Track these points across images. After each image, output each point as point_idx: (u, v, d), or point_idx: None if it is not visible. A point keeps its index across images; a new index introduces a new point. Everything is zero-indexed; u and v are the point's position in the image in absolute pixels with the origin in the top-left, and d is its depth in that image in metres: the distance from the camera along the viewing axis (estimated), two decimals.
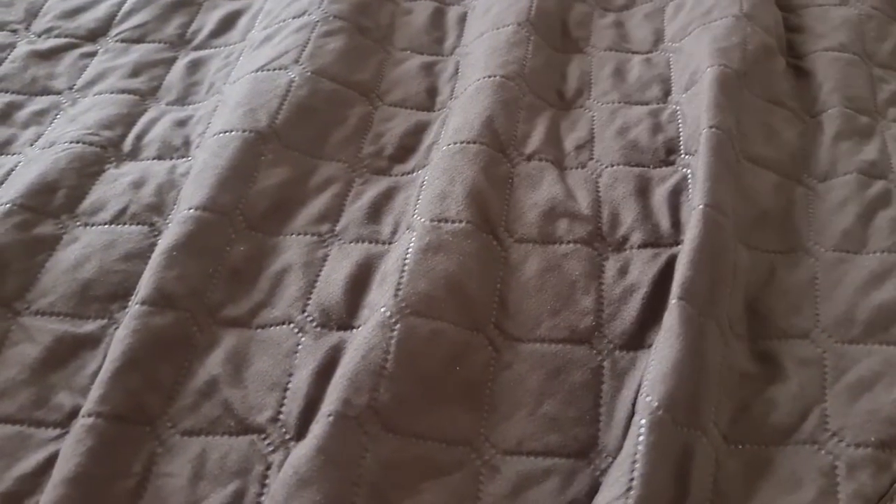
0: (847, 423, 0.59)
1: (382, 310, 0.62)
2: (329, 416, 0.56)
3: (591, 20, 0.92)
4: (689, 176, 0.72)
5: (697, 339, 0.59)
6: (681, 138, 0.76)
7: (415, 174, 0.76)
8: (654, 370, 0.58)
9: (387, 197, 0.74)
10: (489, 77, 0.80)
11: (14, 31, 0.93)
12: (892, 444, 0.57)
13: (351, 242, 0.70)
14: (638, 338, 0.64)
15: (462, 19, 0.93)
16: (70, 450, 0.57)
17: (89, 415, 0.58)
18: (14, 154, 0.80)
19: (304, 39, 0.84)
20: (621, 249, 0.69)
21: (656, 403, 0.55)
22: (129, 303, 0.66)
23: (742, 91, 0.78)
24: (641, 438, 0.54)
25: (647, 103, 0.81)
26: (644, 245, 0.69)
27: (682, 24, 0.89)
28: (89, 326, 0.66)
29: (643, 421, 0.55)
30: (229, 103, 0.79)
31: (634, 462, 0.54)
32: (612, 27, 0.91)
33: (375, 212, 0.73)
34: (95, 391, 0.60)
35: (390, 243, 0.70)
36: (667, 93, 0.82)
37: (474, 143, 0.74)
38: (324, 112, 0.79)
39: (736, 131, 0.75)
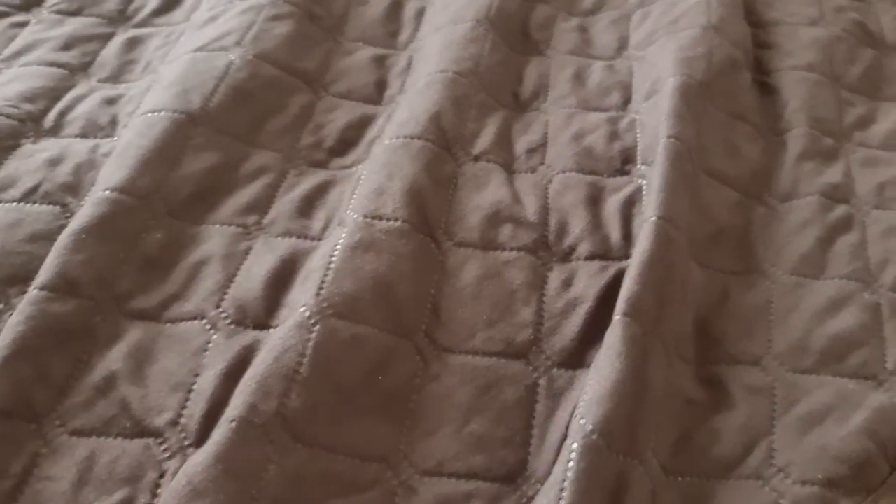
0: (794, 458, 0.55)
1: (302, 309, 0.57)
2: (232, 421, 0.51)
3: (554, 23, 0.88)
4: (644, 187, 0.68)
5: (640, 359, 0.55)
6: (638, 148, 0.72)
7: (353, 168, 0.71)
8: (591, 391, 0.53)
9: (321, 190, 0.69)
10: (441, 72, 0.75)
11: None
12: (840, 483, 0.53)
13: (278, 236, 0.65)
14: (578, 355, 0.59)
15: (420, 14, 0.88)
16: None
17: None
18: None
19: (250, 21, 0.79)
20: (567, 260, 0.65)
21: (590, 427, 0.51)
22: (28, 287, 0.60)
23: (705, 103, 0.75)
24: (572, 465, 0.49)
25: (605, 110, 0.77)
26: (591, 257, 0.65)
27: (647, 31, 0.85)
28: None
29: (575, 445, 0.50)
30: (163, 83, 0.74)
31: (562, 490, 0.49)
32: (575, 31, 0.87)
33: (308, 205, 0.68)
34: None
35: (320, 239, 0.65)
36: (627, 101, 0.78)
37: (418, 138, 0.69)
38: (262, 98, 0.74)
39: (696, 144, 0.71)
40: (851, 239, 0.68)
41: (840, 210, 0.70)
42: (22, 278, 0.61)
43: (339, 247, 0.61)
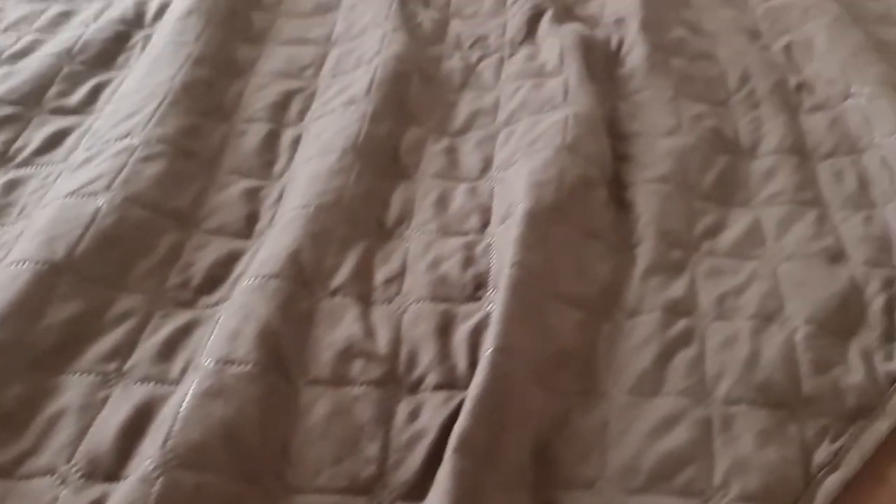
0: None
1: (147, 462, 0.59)
2: None
3: (424, 145, 0.92)
4: (490, 314, 0.72)
5: (469, 494, 0.58)
6: (490, 273, 0.76)
7: (218, 307, 0.74)
8: None
9: (184, 332, 0.71)
10: (304, 207, 0.79)
11: None
12: None
13: (136, 383, 0.67)
14: (420, 488, 0.62)
15: (296, 142, 0.92)
16: None
17: None
18: None
19: (121, 164, 0.82)
20: (416, 391, 0.68)
21: None
22: None
23: (555, 225, 0.79)
24: None
25: (464, 234, 0.81)
26: (438, 387, 0.68)
27: (509, 152, 0.89)
28: None
29: None
30: (32, 230, 0.77)
31: None
32: (443, 153, 0.91)
33: (170, 349, 0.70)
34: None
35: (178, 383, 0.67)
36: (485, 224, 0.82)
37: (276, 277, 0.72)
38: (130, 241, 0.77)
39: (542, 269, 0.74)
40: (690, 353, 0.71)
41: (680, 325, 0.73)
42: None
43: (188, 395, 0.63)
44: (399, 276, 0.77)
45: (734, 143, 0.95)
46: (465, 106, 0.98)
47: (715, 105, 1.01)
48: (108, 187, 0.80)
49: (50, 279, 0.72)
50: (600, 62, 1.04)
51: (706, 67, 1.07)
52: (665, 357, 0.71)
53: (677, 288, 0.77)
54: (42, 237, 0.75)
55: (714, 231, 0.84)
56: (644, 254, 0.80)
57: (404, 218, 0.83)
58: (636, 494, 0.62)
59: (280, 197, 0.85)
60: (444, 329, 0.72)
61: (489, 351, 0.66)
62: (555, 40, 1.05)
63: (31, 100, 0.96)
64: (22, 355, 0.67)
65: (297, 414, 0.65)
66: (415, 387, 0.68)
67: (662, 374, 0.70)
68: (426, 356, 0.69)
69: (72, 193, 0.79)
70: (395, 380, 0.68)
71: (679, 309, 0.75)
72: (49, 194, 0.83)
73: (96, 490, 0.60)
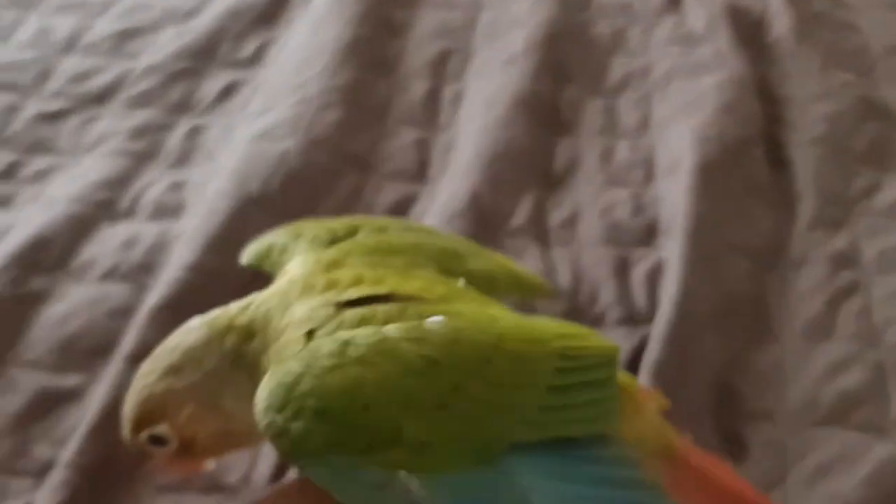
0: None
1: None
2: None
3: (582, 104, 0.96)
4: (665, 259, 0.75)
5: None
6: (660, 221, 0.79)
7: None
8: None
9: None
10: (477, 156, 0.83)
11: (25, 93, 0.97)
12: None
13: None
14: None
15: (457, 97, 0.96)
16: (44, 502, 0.58)
17: (65, 467, 0.59)
18: (14, 211, 0.83)
19: (302, 111, 0.87)
20: (597, 326, 0.71)
21: None
22: (111, 358, 0.67)
23: (720, 180, 0.81)
24: None
25: (630, 185, 0.84)
26: (620, 322, 0.71)
27: (666, 112, 0.92)
28: (72, 380, 0.67)
29: None
30: (225, 169, 0.82)
31: None
32: (601, 112, 0.95)
33: None
34: (73, 445, 0.61)
35: None
36: (649, 177, 0.85)
37: (460, 216, 0.76)
38: (315, 182, 0.82)
39: (712, 218, 0.77)
40: (857, 303, 0.73)
41: (846, 276, 0.76)
42: (104, 350, 0.69)
43: None
44: (572, 221, 0.80)
45: (884, 110, 0.97)
46: (617, 69, 1.01)
47: (861, 75, 1.02)
48: (293, 132, 0.85)
49: (247, 212, 0.77)
50: (747, 30, 1.07)
51: (851, 38, 1.08)
52: (833, 305, 0.73)
53: (840, 242, 0.79)
54: (237, 175, 0.80)
55: (870, 192, 0.86)
56: (805, 210, 0.82)
57: (570, 170, 0.87)
58: (817, 427, 0.65)
59: (448, 147, 0.89)
60: (621, 271, 0.75)
61: (672, 291, 0.69)
62: (701, 9, 1.08)
63: (205, 55, 1.02)
64: (229, 280, 0.72)
65: None
66: (597, 322, 0.71)
67: (832, 320, 0.72)
68: (606, 294, 0.73)
69: (259, 137, 0.85)
70: (578, 315, 0.72)
71: (843, 262, 0.77)
72: (235, 138, 0.88)
73: None
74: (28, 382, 0.66)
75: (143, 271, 0.75)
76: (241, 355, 0.50)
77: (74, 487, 0.58)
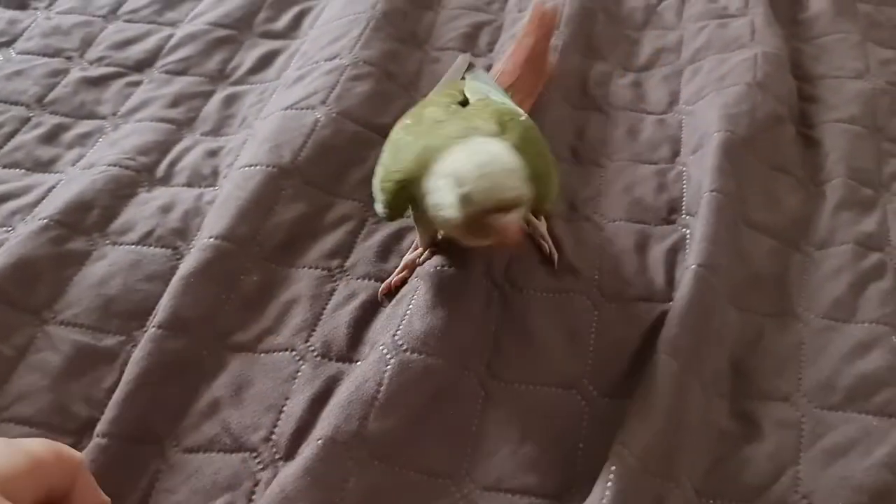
0: (818, 486, 0.61)
1: (381, 347, 0.65)
2: (319, 440, 0.60)
3: (611, 79, 0.96)
4: (688, 236, 0.75)
5: (677, 393, 0.62)
6: (684, 199, 0.79)
7: None
8: (631, 420, 0.60)
9: (396, 238, 0.77)
10: None
11: (69, 59, 0.99)
12: None
13: (358, 279, 0.74)
14: (623, 387, 0.66)
15: (487, 70, 0.96)
16: None
17: (102, 435, 0.62)
18: (57, 172, 0.85)
19: (333, 82, 0.88)
20: (616, 301, 0.72)
21: (628, 451, 0.58)
22: (147, 323, 0.70)
23: (747, 157, 0.81)
24: (610, 485, 0.56)
25: (655, 163, 0.85)
26: (638, 299, 0.72)
27: (697, 87, 0.92)
28: (109, 341, 0.70)
29: (613, 468, 0.57)
30: (257, 138, 0.84)
31: None
32: (630, 87, 0.95)
33: (385, 251, 0.76)
34: (109, 412, 0.64)
35: None
36: (675, 154, 0.85)
37: None
38: (344, 152, 0.83)
39: (737, 196, 0.77)
40: (883, 285, 0.73)
41: (873, 258, 0.75)
42: (140, 313, 0.71)
43: (415, 297, 0.69)
44: (596, 197, 0.81)
45: None
46: (649, 44, 1.01)
47: None
48: (323, 101, 0.86)
49: (278, 181, 0.78)
50: (783, 5, 1.05)
51: (891, 14, 1.06)
52: (858, 287, 0.73)
53: (869, 223, 0.79)
54: (269, 144, 0.81)
55: None
56: (834, 189, 0.82)
57: (597, 146, 0.87)
58: (833, 410, 0.65)
59: None
60: (641, 247, 0.76)
61: (693, 267, 0.70)
62: None
63: (243, 24, 1.04)
64: (258, 247, 0.74)
65: (512, 316, 0.70)
66: (615, 298, 0.72)
67: (856, 302, 0.72)
68: (626, 270, 0.74)
69: (291, 106, 0.86)
70: (598, 290, 0.72)
71: (871, 243, 0.77)
72: (267, 107, 0.90)
73: (332, 367, 0.67)
74: (67, 341, 0.69)
75: (178, 236, 0.77)
76: None
77: (112, 454, 0.62)
